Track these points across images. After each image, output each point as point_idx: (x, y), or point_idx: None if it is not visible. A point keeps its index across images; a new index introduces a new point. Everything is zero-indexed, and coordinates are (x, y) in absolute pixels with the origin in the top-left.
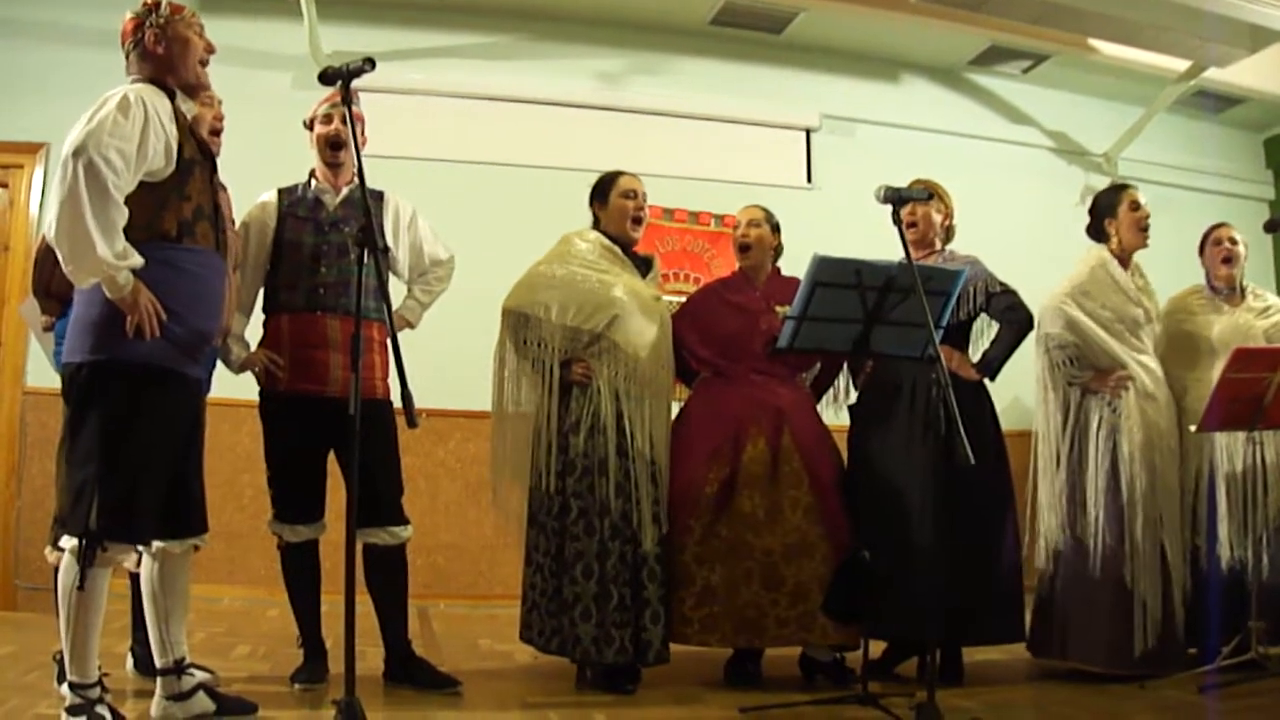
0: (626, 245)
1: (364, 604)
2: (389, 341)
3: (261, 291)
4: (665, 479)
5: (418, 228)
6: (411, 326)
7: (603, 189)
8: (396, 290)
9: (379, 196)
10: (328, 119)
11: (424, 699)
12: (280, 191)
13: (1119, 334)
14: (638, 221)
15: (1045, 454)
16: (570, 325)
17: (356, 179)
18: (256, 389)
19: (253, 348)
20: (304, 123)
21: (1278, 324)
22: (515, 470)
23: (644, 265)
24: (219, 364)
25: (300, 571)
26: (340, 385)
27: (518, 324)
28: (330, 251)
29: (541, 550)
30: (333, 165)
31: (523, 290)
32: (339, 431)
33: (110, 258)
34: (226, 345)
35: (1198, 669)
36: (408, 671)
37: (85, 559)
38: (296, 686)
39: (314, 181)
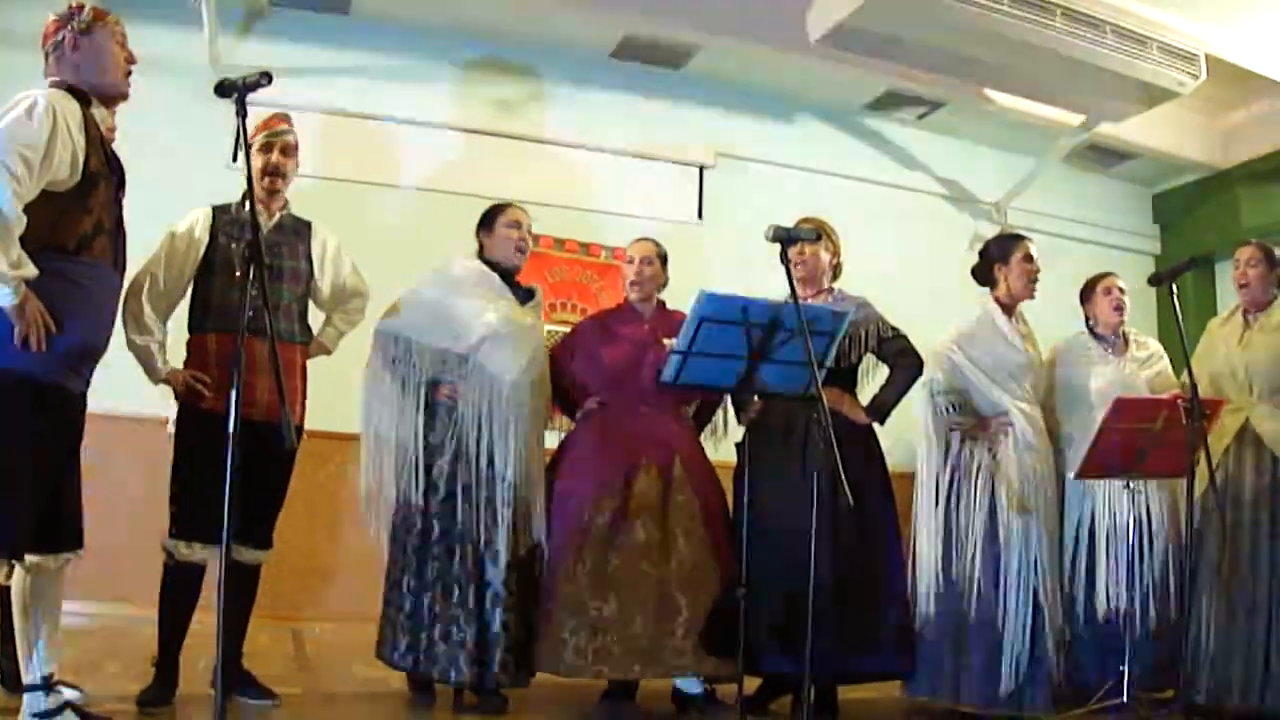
0: (509, 273)
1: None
2: (273, 362)
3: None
4: (538, 505)
5: (341, 260)
6: (328, 353)
7: (489, 218)
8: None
9: (307, 226)
10: (267, 147)
11: None
12: (215, 209)
13: (1001, 381)
14: (521, 251)
15: (925, 498)
16: (439, 348)
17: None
18: (134, 403)
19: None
20: (246, 145)
21: (1160, 373)
22: (383, 490)
23: (525, 295)
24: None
25: (183, 592)
26: (264, 409)
27: (388, 344)
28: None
29: (400, 567)
30: (270, 193)
31: (396, 311)
32: (258, 454)
33: (3, 266)
34: (150, 352)
35: (1072, 711)
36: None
37: None
38: (141, 708)
39: (248, 203)
